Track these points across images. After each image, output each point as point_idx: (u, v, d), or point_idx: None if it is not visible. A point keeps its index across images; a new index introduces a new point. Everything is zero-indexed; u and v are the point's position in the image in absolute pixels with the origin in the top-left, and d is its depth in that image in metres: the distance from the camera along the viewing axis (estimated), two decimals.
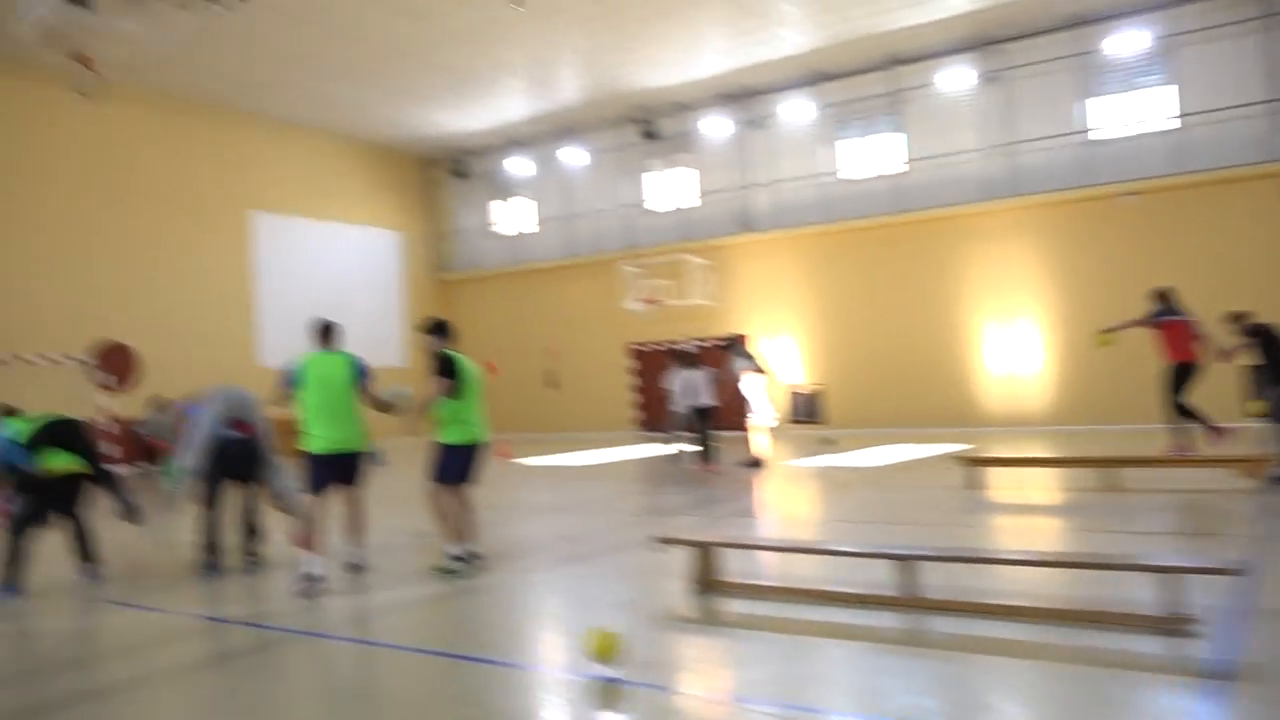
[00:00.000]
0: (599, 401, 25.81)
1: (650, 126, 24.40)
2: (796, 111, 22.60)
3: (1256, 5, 17.86)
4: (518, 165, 26.88)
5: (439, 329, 7.85)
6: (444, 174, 28.46)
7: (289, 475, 8.12)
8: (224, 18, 16.35)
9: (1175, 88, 18.81)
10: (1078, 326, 18.83)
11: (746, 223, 23.55)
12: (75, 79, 15.42)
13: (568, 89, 22.93)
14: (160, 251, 22.03)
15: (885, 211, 21.55)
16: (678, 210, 24.85)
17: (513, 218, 27.83)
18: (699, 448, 15.01)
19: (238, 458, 7.90)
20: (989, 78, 20.36)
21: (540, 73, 21.77)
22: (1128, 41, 18.86)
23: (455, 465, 7.53)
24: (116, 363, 19.64)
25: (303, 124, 24.61)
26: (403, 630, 6.03)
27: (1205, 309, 12.63)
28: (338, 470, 7.44)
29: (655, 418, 24.00)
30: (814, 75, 22.09)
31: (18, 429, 7.75)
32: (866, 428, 21.66)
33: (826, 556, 6.50)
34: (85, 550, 7.77)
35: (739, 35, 19.82)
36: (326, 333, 7.69)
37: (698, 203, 24.42)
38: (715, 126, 23.70)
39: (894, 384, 21.55)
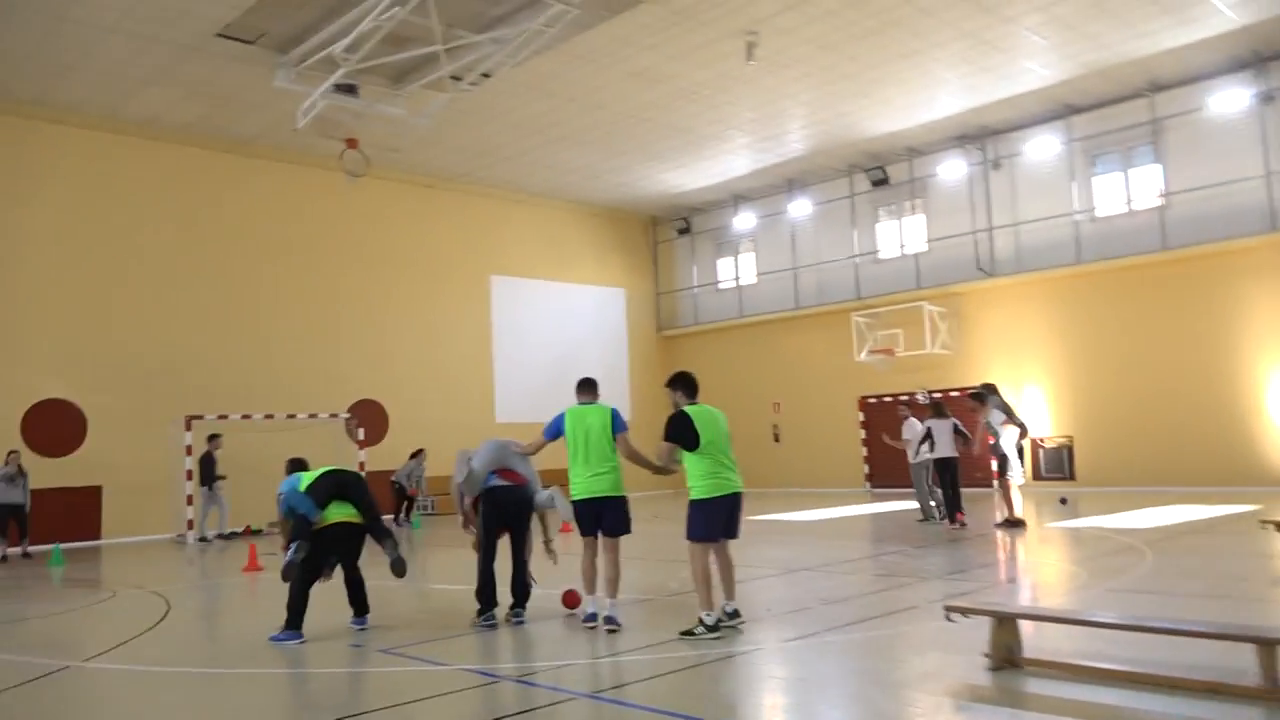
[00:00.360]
0: (825, 455, 24.98)
1: (879, 173, 23.69)
2: (1041, 148, 21.28)
3: None
4: (742, 220, 26.81)
5: (676, 382, 7.73)
6: (669, 231, 28.82)
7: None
8: (469, 94, 17.23)
9: None
10: None
11: (985, 267, 22.26)
12: (346, 162, 16.62)
13: (794, 140, 22.65)
14: (408, 316, 23.36)
15: (1145, 250, 19.75)
16: (908, 257, 23.88)
17: (736, 271, 27.71)
18: (938, 504, 14.60)
19: (510, 505, 7.94)
20: (1266, 97, 18.35)
21: (767, 126, 21.61)
22: None
23: (706, 520, 7.31)
24: (369, 419, 20.89)
25: (537, 191, 25.62)
26: (667, 696, 5.66)
27: None
28: (595, 517, 7.60)
29: (885, 473, 22.91)
30: (1061, 108, 20.73)
31: (302, 479, 8.10)
32: (1119, 485, 19.79)
33: (1136, 634, 5.61)
34: (358, 599, 7.97)
35: (979, 73, 18.85)
36: (586, 386, 8.01)
37: (930, 249, 23.36)
38: (950, 169, 22.68)
39: (1154, 437, 19.52)
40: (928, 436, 14.60)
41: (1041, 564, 10.68)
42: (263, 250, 21.06)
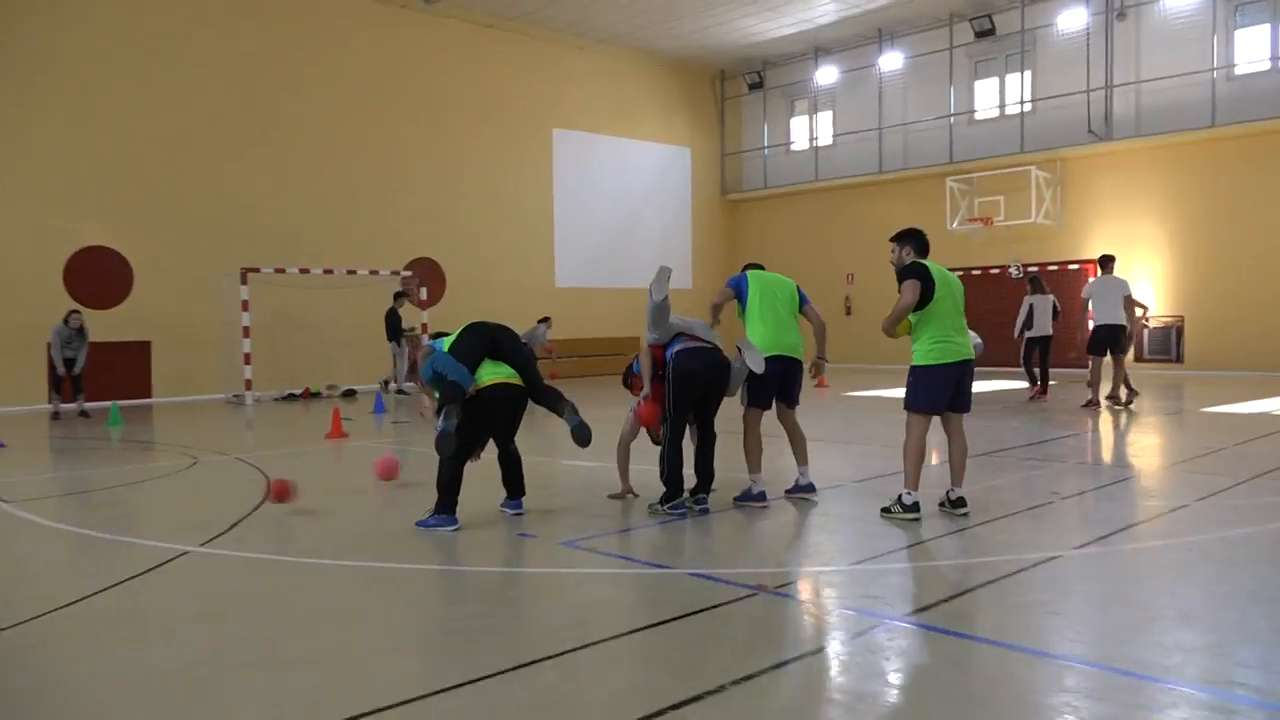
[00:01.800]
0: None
1: (986, 23, 21.46)
2: None
3: None
4: (823, 74, 24.66)
5: (906, 237, 6.67)
6: (738, 86, 26.68)
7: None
8: None
9: None
10: None
11: (1099, 131, 20.30)
12: None
13: None
14: (466, 169, 21.60)
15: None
16: (1009, 118, 21.86)
17: (812, 131, 25.69)
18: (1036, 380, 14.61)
19: (708, 371, 6.57)
20: None
21: None
22: None
23: (931, 388, 6.30)
24: (427, 278, 19.45)
25: (603, 36, 23.39)
26: (1018, 626, 4.36)
27: None
28: (780, 379, 6.92)
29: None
30: None
31: (445, 342, 6.76)
32: (1231, 369, 18.46)
33: None
34: (514, 478, 6.70)
35: None
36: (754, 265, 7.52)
37: (1035, 109, 21.32)
38: (1069, 19, 20.44)
39: (1276, 319, 18.06)
40: (1030, 312, 14.65)
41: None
42: (315, 92, 19.19)
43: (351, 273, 18.06)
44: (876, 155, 23.91)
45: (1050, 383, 14.93)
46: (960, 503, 6.40)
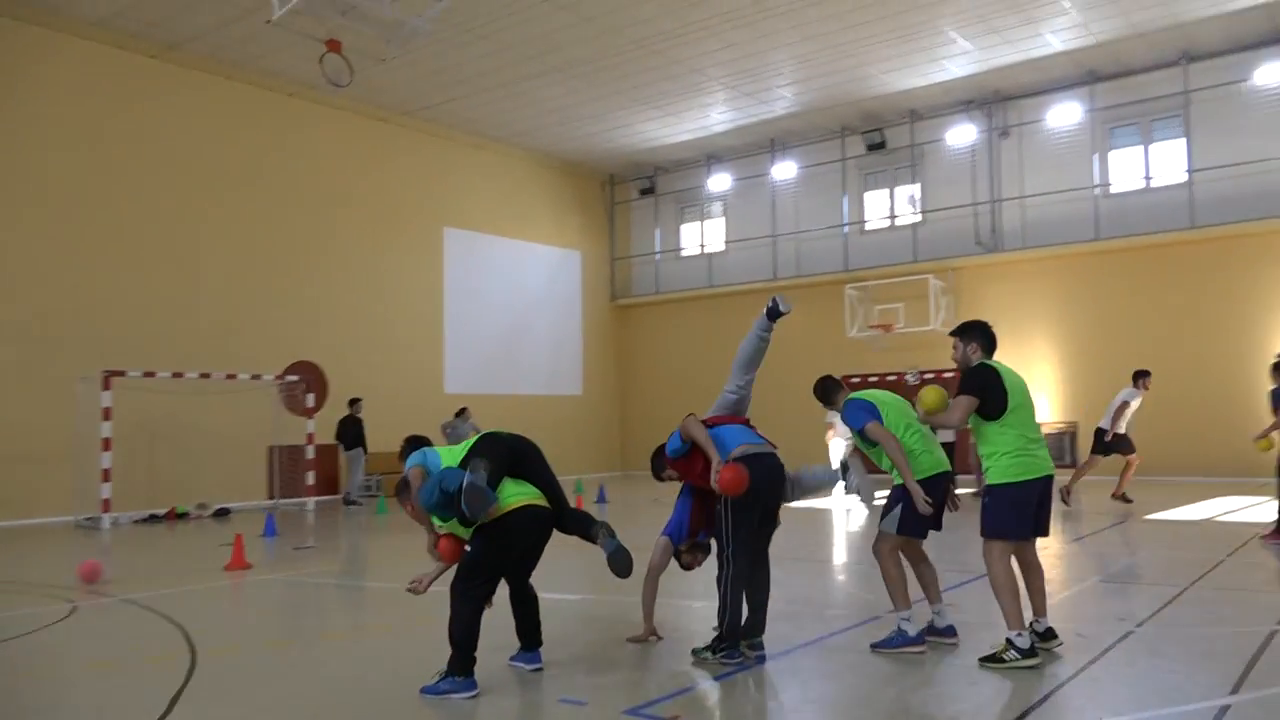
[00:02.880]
0: (796, 438, 23.08)
1: (877, 137, 22.07)
2: (1058, 116, 20.05)
3: None
4: (716, 181, 24.76)
5: (971, 332, 5.97)
6: (628, 191, 26.51)
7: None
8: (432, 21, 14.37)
9: None
10: None
11: (986, 242, 20.96)
12: (327, 68, 13.68)
13: (783, 95, 20.67)
14: (352, 266, 20.27)
15: (1168, 228, 18.78)
16: (900, 229, 22.38)
17: (704, 238, 25.65)
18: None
19: (771, 477, 5.62)
20: None
21: (755, 77, 19.52)
22: None
23: (1015, 511, 5.53)
24: (311, 384, 17.88)
25: (498, 135, 22.77)
26: None
27: None
28: (940, 500, 5.89)
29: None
30: (1083, 75, 19.53)
31: (441, 454, 5.60)
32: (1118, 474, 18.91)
33: None
34: (531, 625, 5.51)
35: (994, 32, 17.41)
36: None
37: (925, 220, 21.89)
38: (957, 135, 21.23)
39: (1167, 425, 18.59)
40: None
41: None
42: (190, 182, 17.61)
43: (231, 377, 16.27)
44: (770, 262, 23.98)
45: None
46: (1050, 634, 5.66)
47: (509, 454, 5.44)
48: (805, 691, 5.12)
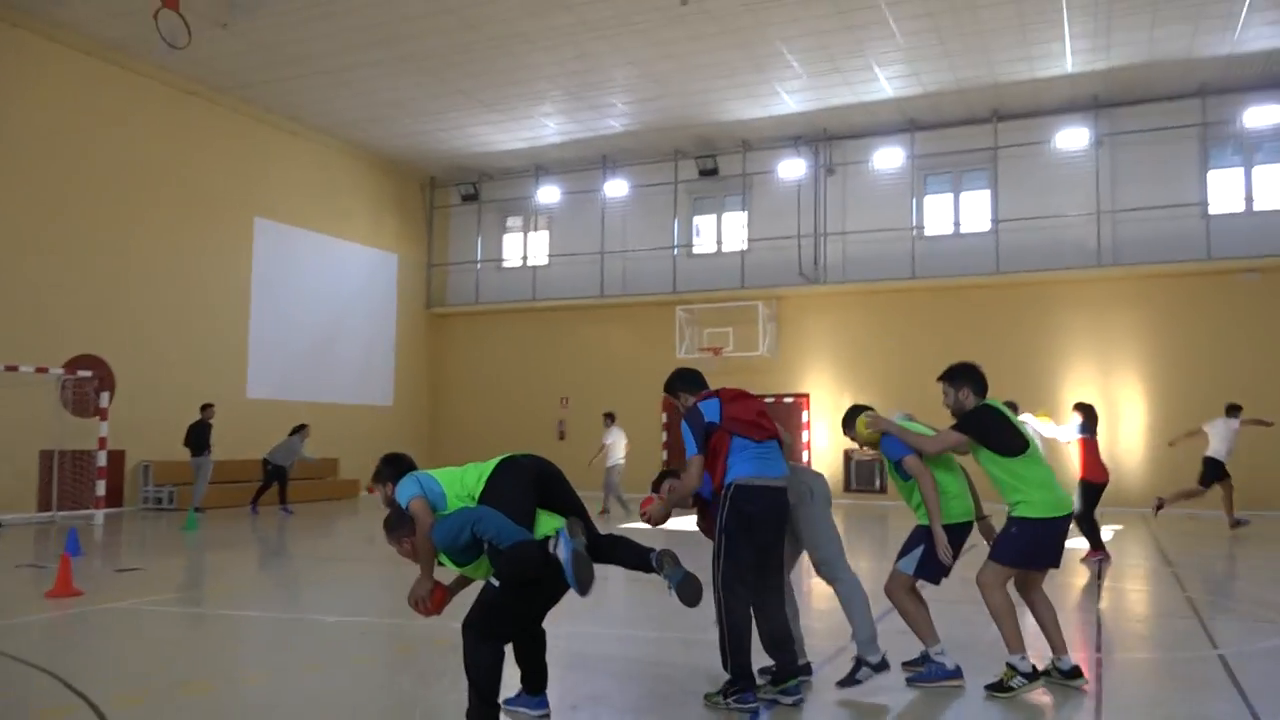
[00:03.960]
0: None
1: (710, 163, 22.43)
2: (882, 160, 21.18)
3: None
4: (544, 193, 24.27)
5: (961, 376, 6.01)
6: (450, 195, 25.50)
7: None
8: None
9: None
10: (1180, 404, 17.94)
11: (809, 274, 21.78)
12: (162, 26, 12.12)
13: (618, 113, 20.65)
14: (149, 253, 18.18)
15: (975, 272, 20.24)
16: (727, 255, 22.83)
17: (529, 250, 25.08)
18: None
19: (774, 516, 5.20)
20: (1100, 141, 19.52)
21: (593, 92, 19.43)
22: (1257, 115, 18.41)
23: (1038, 545, 5.48)
24: (104, 381, 15.85)
25: (318, 124, 21.24)
26: None
27: None
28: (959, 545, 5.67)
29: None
30: (905, 123, 20.76)
31: (439, 479, 4.88)
32: None
33: None
34: (538, 667, 4.86)
35: (829, 74, 18.27)
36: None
37: (751, 248, 22.46)
38: (788, 169, 21.93)
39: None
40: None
41: None
42: None
43: (12, 369, 14.00)
44: (596, 278, 23.77)
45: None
46: (1076, 673, 5.52)
47: (536, 485, 4.82)
48: None
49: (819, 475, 5.93)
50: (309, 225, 21.74)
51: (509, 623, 4.56)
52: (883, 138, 21.17)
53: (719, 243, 23.04)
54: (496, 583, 4.48)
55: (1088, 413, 11.77)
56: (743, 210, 22.74)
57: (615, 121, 21.14)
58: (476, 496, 4.78)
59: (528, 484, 4.78)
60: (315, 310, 21.82)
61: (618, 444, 17.81)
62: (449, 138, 22.25)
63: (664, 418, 22.93)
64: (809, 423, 21.64)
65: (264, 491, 17.05)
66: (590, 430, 22.32)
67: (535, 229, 24.95)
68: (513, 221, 25.34)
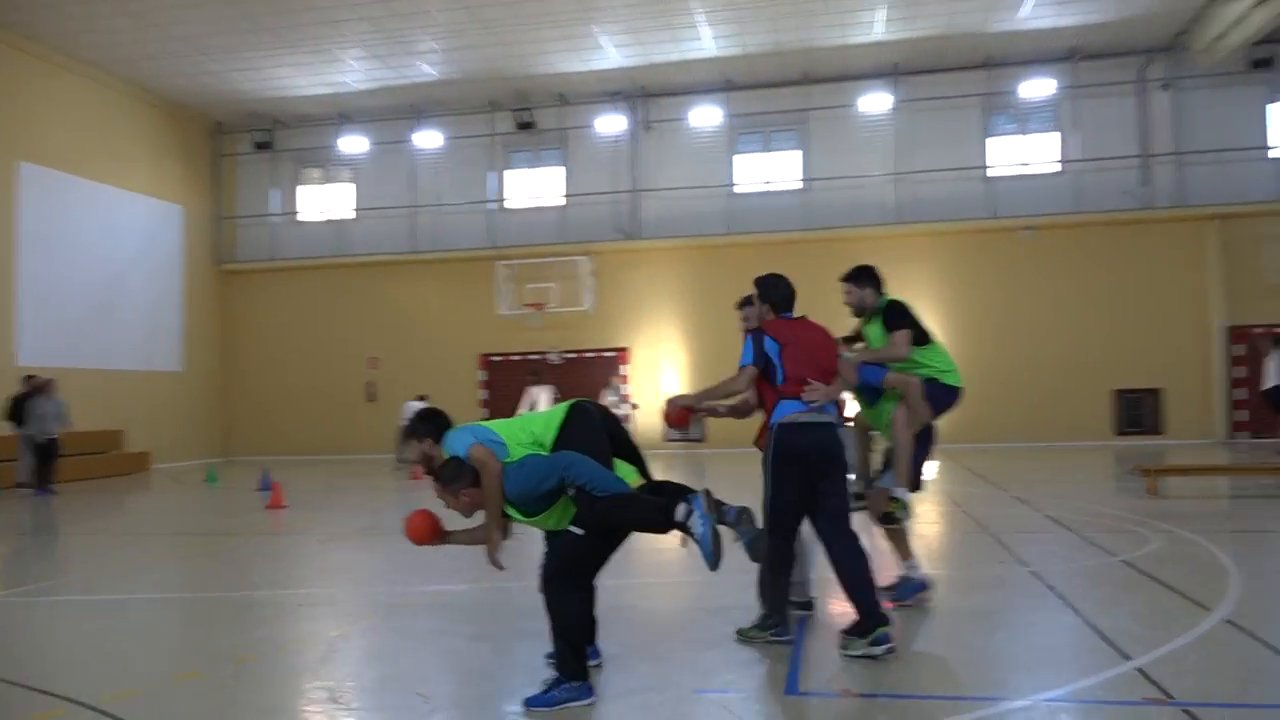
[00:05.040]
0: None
1: (526, 116, 22.06)
2: (698, 118, 21.66)
3: (1134, 70, 20.16)
4: (349, 144, 22.96)
5: (865, 277, 6.21)
6: (242, 143, 23.58)
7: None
8: None
9: (1061, 134, 20.68)
10: (969, 349, 19.82)
11: (627, 229, 22.04)
12: None
13: (431, 61, 19.91)
14: None
15: (785, 228, 21.22)
16: (545, 210, 22.65)
17: (331, 203, 23.70)
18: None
19: (820, 452, 5.16)
20: (898, 107, 20.93)
21: (401, 39, 18.67)
22: (1031, 88, 20.38)
23: (947, 402, 6.00)
24: None
25: (92, 59, 18.96)
26: None
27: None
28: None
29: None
30: (722, 83, 21.30)
31: (510, 430, 4.67)
32: (740, 448, 21.17)
33: None
34: (592, 618, 4.76)
35: (648, 30, 18.57)
36: None
37: (568, 203, 22.39)
38: (606, 124, 21.96)
39: None
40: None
41: None
42: None
43: None
44: (407, 233, 22.87)
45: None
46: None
47: (609, 429, 4.72)
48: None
49: None
50: (83, 173, 19.45)
51: (592, 571, 4.47)
52: (699, 96, 21.64)
53: (536, 198, 22.78)
54: (579, 531, 4.36)
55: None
56: (560, 165, 22.59)
57: (429, 68, 20.32)
58: (549, 444, 4.61)
59: (601, 430, 4.68)
60: (93, 266, 19.64)
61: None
62: (241, 79, 20.56)
63: (482, 375, 22.59)
64: (628, 376, 21.98)
65: (45, 468, 14.90)
66: (405, 391, 21.66)
67: (338, 181, 23.60)
68: (311, 173, 23.83)
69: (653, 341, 21.95)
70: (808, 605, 5.79)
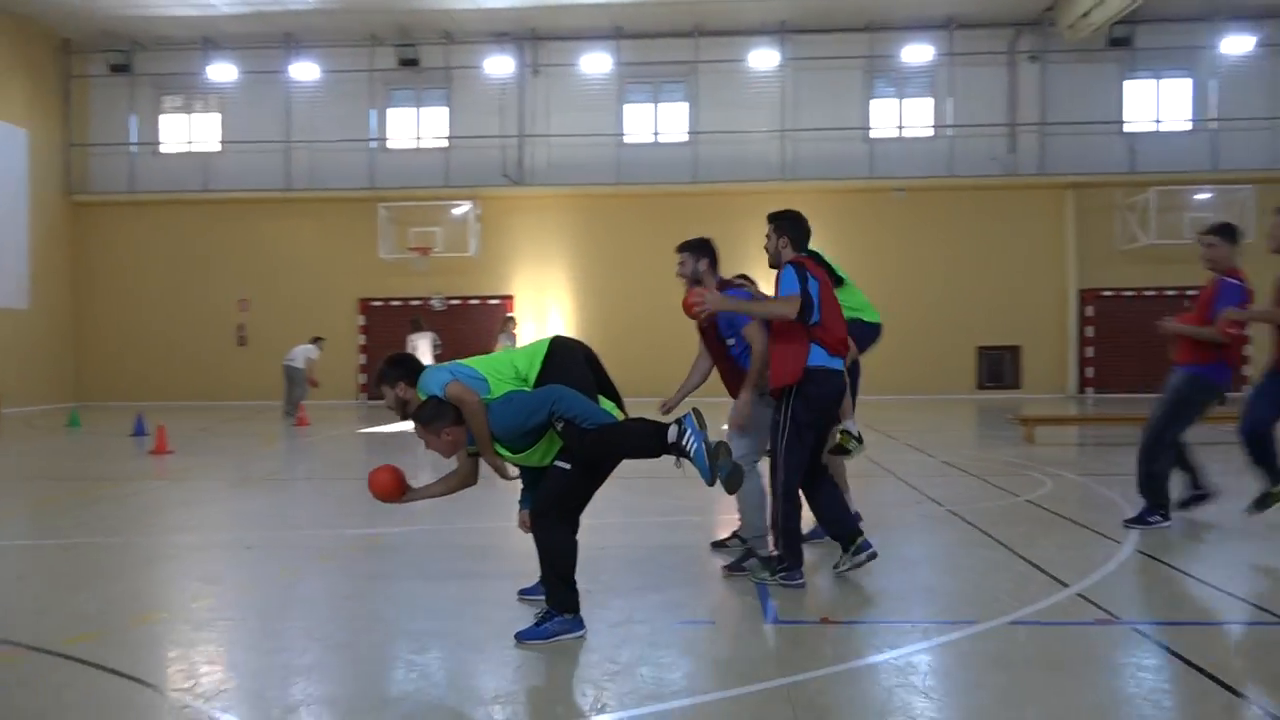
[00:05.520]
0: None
1: (410, 52, 21.29)
2: (588, 65, 21.43)
3: (1005, 42, 21.11)
4: (215, 71, 21.61)
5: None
6: (95, 64, 21.86)
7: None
8: None
9: (935, 100, 21.50)
10: None
11: (513, 174, 21.71)
12: None
13: None
14: None
15: (672, 180, 21.33)
16: (428, 151, 22.02)
17: (197, 134, 22.33)
18: None
19: (837, 401, 5.30)
20: (785, 64, 21.25)
21: None
22: (911, 53, 21.05)
23: (866, 338, 6.16)
24: None
25: None
26: None
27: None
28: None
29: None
30: (612, 30, 21.12)
31: (490, 366, 4.61)
32: (639, 396, 21.43)
33: None
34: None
35: None
36: None
37: (452, 145, 21.83)
38: (491, 65, 21.43)
39: (665, 352, 21.53)
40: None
41: None
42: None
43: None
44: (280, 170, 21.82)
45: None
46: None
47: (589, 363, 4.73)
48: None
49: None
50: None
51: (581, 505, 4.49)
52: (589, 42, 21.39)
53: (419, 139, 22.11)
54: (567, 466, 4.37)
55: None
56: (444, 106, 21.96)
57: None
58: (532, 379, 4.59)
59: (584, 365, 4.68)
60: None
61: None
62: None
63: (361, 320, 21.96)
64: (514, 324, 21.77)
65: None
66: (278, 335, 20.89)
67: (207, 110, 22.25)
68: (173, 101, 22.37)
69: (538, 288, 21.79)
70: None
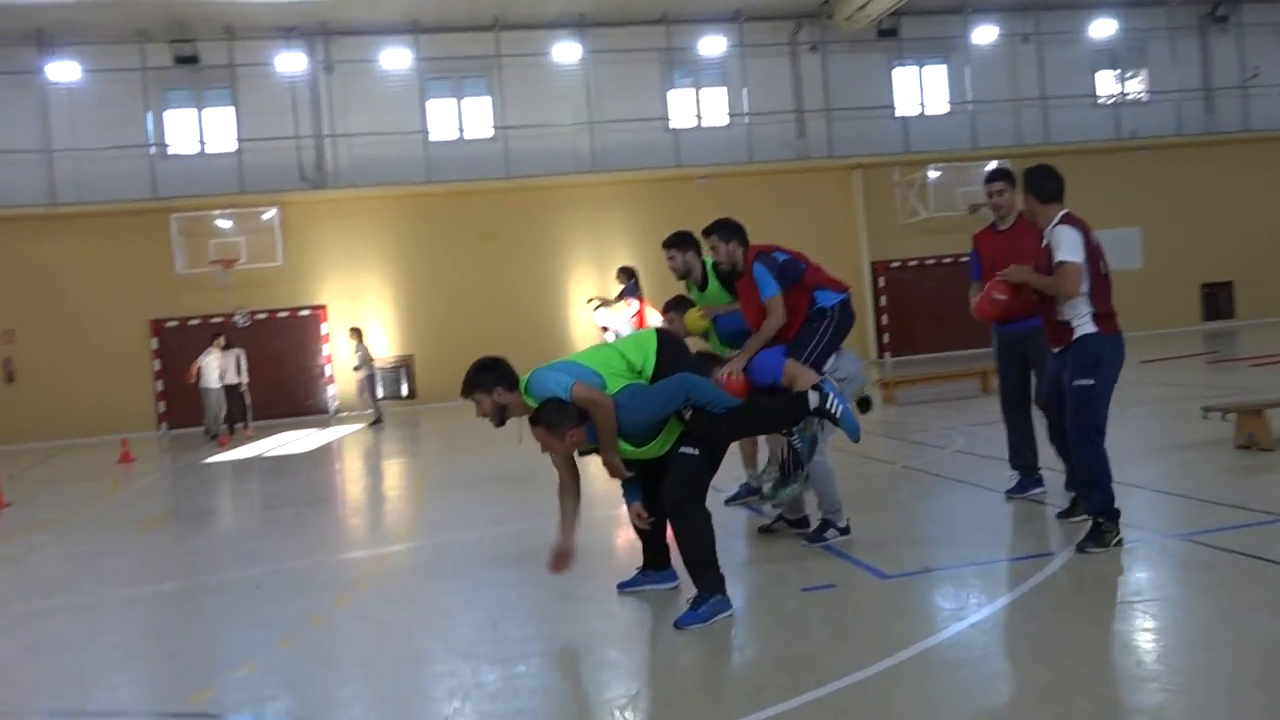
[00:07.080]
0: (92, 397, 19.48)
1: (189, 49, 19.71)
2: (387, 61, 20.72)
3: (788, 33, 22.48)
4: None
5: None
6: None
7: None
8: None
9: (729, 90, 22.55)
10: (661, 293, 21.28)
11: (311, 178, 20.65)
12: None
13: None
14: None
15: (483, 176, 21.06)
16: (213, 155, 20.48)
17: None
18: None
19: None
20: (586, 57, 21.52)
21: None
22: (705, 45, 21.96)
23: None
24: None
25: None
26: None
27: None
28: None
29: (184, 410, 19.14)
30: (408, 24, 20.54)
31: (598, 361, 4.57)
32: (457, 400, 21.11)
33: None
34: (664, 542, 4.84)
35: None
36: None
37: (247, 148, 20.41)
38: (282, 63, 20.23)
39: (506, 349, 21.30)
40: None
41: None
42: None
43: None
44: (42, 183, 19.52)
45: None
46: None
47: (688, 353, 4.84)
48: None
49: None
50: None
51: (707, 488, 4.57)
52: (386, 37, 20.69)
53: (204, 143, 20.50)
54: (694, 450, 4.44)
55: (630, 274, 11.55)
56: (230, 105, 20.48)
57: None
58: (649, 371, 4.59)
59: (684, 352, 4.78)
60: None
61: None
62: None
63: (154, 344, 20.11)
64: (328, 335, 20.75)
65: None
66: (54, 367, 18.94)
67: None
68: None
69: (352, 296, 20.84)
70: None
